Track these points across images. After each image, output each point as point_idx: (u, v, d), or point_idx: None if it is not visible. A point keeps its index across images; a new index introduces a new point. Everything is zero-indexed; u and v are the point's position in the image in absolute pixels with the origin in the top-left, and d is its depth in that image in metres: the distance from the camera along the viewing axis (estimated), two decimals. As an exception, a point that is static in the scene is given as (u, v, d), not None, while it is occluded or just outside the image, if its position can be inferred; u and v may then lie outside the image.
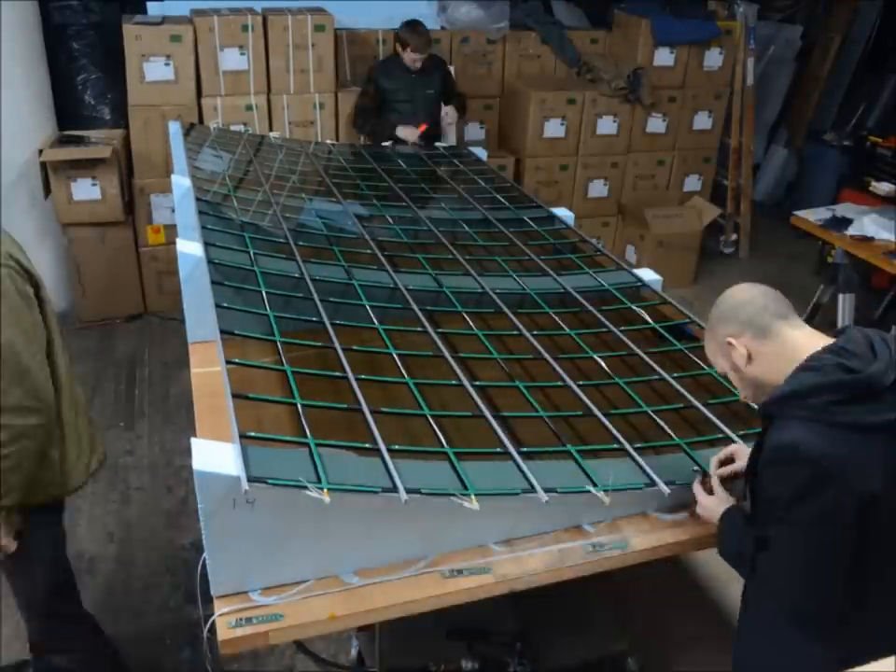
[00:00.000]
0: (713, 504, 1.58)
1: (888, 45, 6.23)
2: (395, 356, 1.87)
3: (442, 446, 1.58)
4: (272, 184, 2.97)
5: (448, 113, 4.13)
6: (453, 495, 1.45)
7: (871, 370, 1.29)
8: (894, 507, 1.31)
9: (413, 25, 4.06)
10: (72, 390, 1.90)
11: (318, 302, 2.04)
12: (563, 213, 3.08)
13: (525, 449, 1.63)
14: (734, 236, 5.67)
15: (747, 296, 1.43)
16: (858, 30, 6.20)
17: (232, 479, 1.32)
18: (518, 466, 1.55)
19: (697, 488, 1.62)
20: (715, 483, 1.61)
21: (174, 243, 2.20)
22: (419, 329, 2.05)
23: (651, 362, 2.05)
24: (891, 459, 1.29)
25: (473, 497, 1.43)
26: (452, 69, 4.50)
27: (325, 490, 1.32)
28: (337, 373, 1.75)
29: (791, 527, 1.34)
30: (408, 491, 1.37)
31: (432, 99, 4.16)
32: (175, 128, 3.37)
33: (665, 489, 1.59)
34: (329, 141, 4.25)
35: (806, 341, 1.38)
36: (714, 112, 5.20)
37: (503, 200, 3.17)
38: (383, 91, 4.14)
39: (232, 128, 4.16)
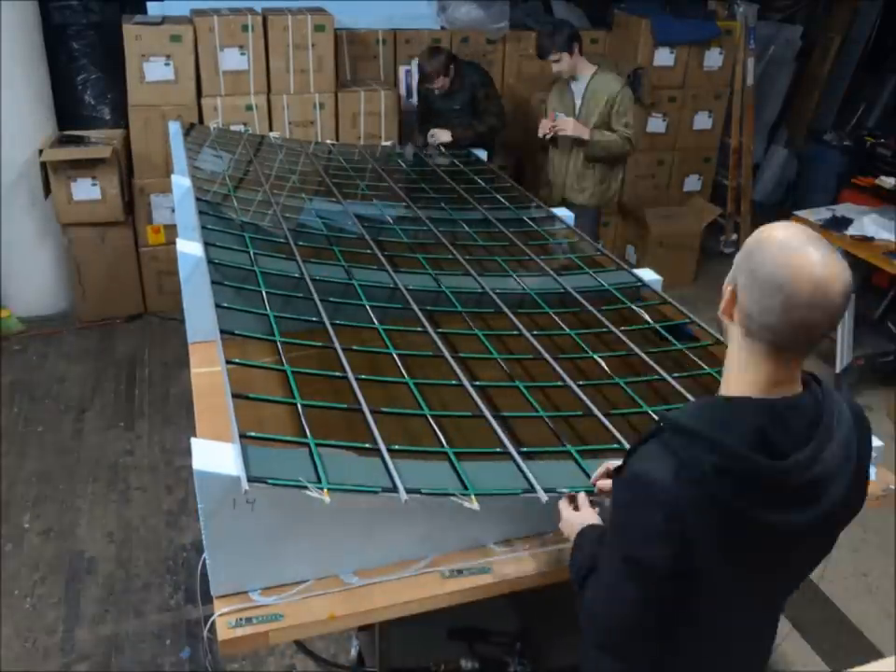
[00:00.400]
0: (575, 519, 1.44)
1: (888, 45, 6.23)
2: (395, 356, 1.87)
3: (442, 446, 1.58)
4: (272, 184, 2.97)
5: (434, 134, 4.04)
6: (453, 495, 1.45)
7: (791, 459, 1.06)
8: (721, 587, 1.14)
9: (429, 52, 4.00)
10: None
11: (318, 302, 2.04)
12: (563, 213, 3.08)
13: (525, 449, 1.63)
14: (734, 236, 5.67)
15: (781, 302, 1.05)
16: (858, 30, 6.20)
17: (232, 479, 1.32)
18: (518, 466, 1.55)
19: (563, 503, 1.48)
20: (582, 498, 1.48)
21: (174, 243, 2.20)
22: (419, 329, 2.05)
23: (651, 362, 2.05)
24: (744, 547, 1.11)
25: (473, 496, 1.43)
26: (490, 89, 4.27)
27: (325, 490, 1.32)
28: (337, 373, 1.75)
29: (613, 554, 1.18)
30: (408, 491, 1.37)
31: (457, 114, 4.09)
32: (174, 128, 3.37)
33: (665, 489, 1.59)
34: (328, 141, 4.26)
35: (765, 377, 1.10)
36: (714, 112, 5.20)
37: (503, 200, 3.17)
38: (427, 106, 4.24)
39: (232, 128, 4.16)
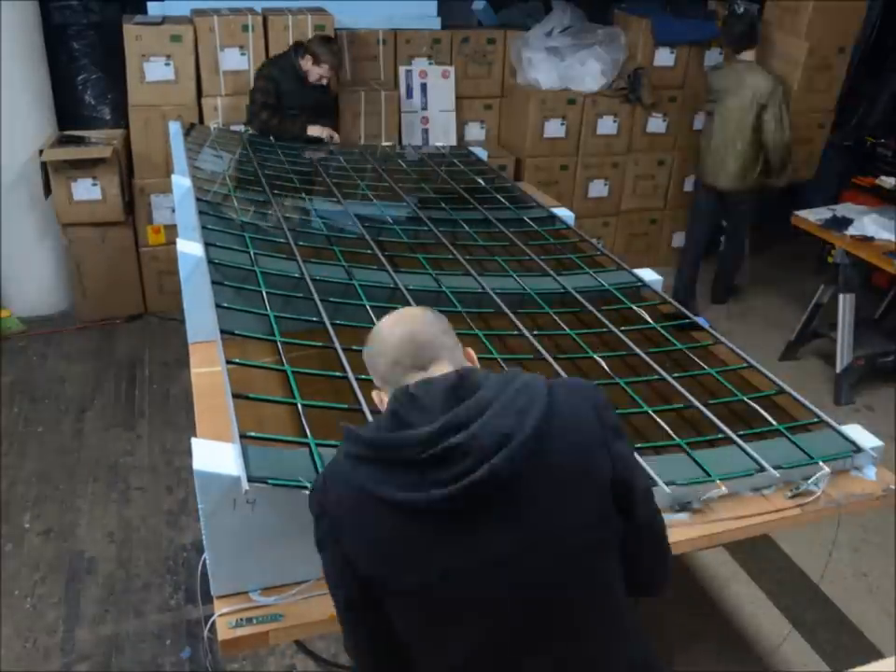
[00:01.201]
0: None
1: (888, 45, 6.23)
2: (395, 356, 1.87)
3: (442, 446, 1.58)
4: (272, 184, 2.97)
5: (333, 137, 4.00)
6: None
7: (412, 432, 1.05)
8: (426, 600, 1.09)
9: (330, 42, 3.98)
10: None
11: (318, 302, 2.04)
12: (563, 213, 3.08)
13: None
14: (734, 236, 5.66)
15: (380, 347, 1.18)
16: (858, 30, 6.20)
17: (232, 479, 1.32)
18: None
19: None
20: None
21: (174, 243, 2.21)
22: (419, 328, 2.05)
23: (652, 362, 2.05)
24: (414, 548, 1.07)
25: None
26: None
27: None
28: (337, 373, 1.75)
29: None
30: (408, 491, 1.37)
31: (329, 106, 4.13)
32: (175, 128, 3.38)
33: (666, 489, 1.59)
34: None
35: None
36: (714, 112, 5.19)
37: (503, 200, 3.17)
38: (279, 93, 3.96)
39: (232, 128, 4.17)
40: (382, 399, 1.20)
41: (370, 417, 1.58)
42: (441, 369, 1.13)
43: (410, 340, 1.15)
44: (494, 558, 1.06)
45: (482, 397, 1.06)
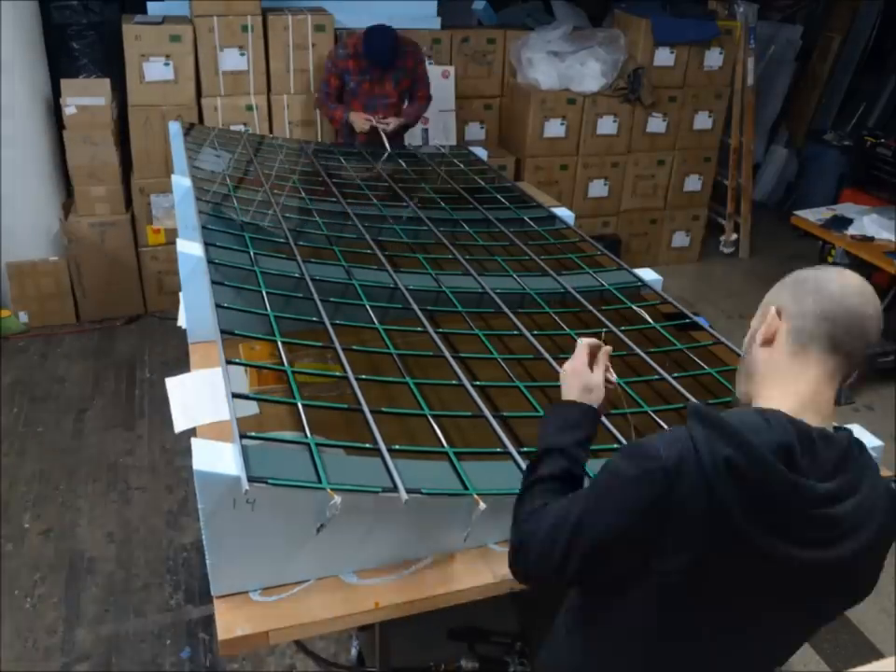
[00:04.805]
0: (582, 375, 1.28)
1: (888, 45, 6.24)
2: (395, 356, 1.87)
3: (442, 446, 1.58)
4: (272, 184, 2.97)
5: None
6: (453, 495, 1.45)
7: (811, 482, 1.00)
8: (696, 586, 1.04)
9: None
10: None
11: (318, 302, 2.04)
12: (563, 213, 3.08)
13: (525, 449, 1.63)
14: (734, 236, 5.67)
15: (837, 294, 1.09)
16: (858, 30, 6.20)
17: (232, 479, 1.32)
18: (518, 465, 1.55)
19: (584, 347, 1.32)
20: (605, 355, 1.33)
21: (173, 243, 2.20)
22: (419, 328, 2.05)
23: (652, 362, 2.05)
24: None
25: (477, 496, 1.43)
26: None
27: (330, 490, 1.32)
28: (337, 373, 1.75)
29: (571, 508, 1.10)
30: (408, 491, 1.37)
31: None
32: (175, 128, 3.37)
33: (666, 489, 1.59)
34: (328, 141, 4.26)
35: (813, 397, 1.08)
36: (714, 112, 5.20)
37: (503, 200, 3.17)
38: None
39: (232, 128, 4.16)
40: (771, 325, 1.12)
41: (370, 417, 1.58)
42: (840, 372, 1.09)
43: (860, 320, 1.08)
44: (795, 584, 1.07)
45: (855, 471, 1.06)
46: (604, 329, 2.16)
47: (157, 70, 4.10)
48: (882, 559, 1.13)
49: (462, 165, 3.66)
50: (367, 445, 1.51)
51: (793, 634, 1.18)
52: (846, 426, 1.14)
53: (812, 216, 4.11)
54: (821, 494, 1.01)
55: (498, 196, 3.21)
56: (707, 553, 1.01)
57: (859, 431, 1.86)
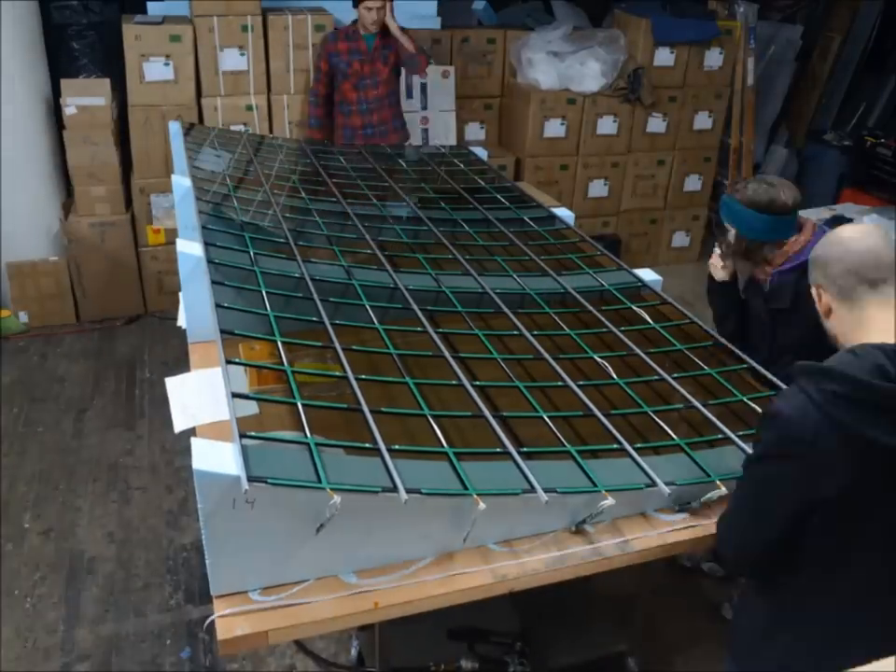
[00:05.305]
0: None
1: (888, 45, 6.23)
2: (395, 356, 1.87)
3: (442, 446, 1.58)
4: (272, 184, 2.97)
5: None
6: (453, 495, 1.45)
7: None
8: (847, 513, 1.29)
9: None
10: None
11: (318, 302, 2.04)
12: (563, 213, 3.08)
13: (525, 449, 1.63)
14: (734, 236, 5.66)
15: (842, 249, 1.38)
16: (858, 30, 6.20)
17: (232, 479, 1.31)
18: (518, 466, 1.55)
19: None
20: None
21: (173, 243, 2.20)
22: (419, 328, 2.05)
23: (652, 362, 2.05)
24: (868, 477, 1.26)
25: (477, 496, 1.43)
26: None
27: (330, 490, 1.32)
28: (337, 373, 1.75)
29: (745, 480, 1.42)
30: (408, 491, 1.37)
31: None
32: (175, 128, 3.37)
33: (666, 489, 1.59)
34: (328, 141, 4.25)
35: (881, 325, 1.33)
36: (714, 112, 5.20)
37: (503, 200, 3.17)
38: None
39: (232, 128, 4.16)
40: (821, 295, 1.42)
41: (369, 417, 1.58)
42: (889, 291, 1.33)
43: (874, 255, 1.35)
44: None
45: None
46: (604, 330, 2.16)
47: (157, 70, 4.10)
48: None
49: (462, 165, 3.66)
50: (367, 445, 1.51)
51: None
52: None
53: (812, 216, 4.10)
54: None
55: (498, 196, 3.21)
56: (853, 471, 1.23)
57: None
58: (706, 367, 2.07)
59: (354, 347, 1.87)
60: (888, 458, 1.23)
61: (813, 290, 1.44)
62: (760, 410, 1.90)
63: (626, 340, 2.15)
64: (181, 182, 2.62)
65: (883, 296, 1.34)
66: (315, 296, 2.07)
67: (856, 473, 1.24)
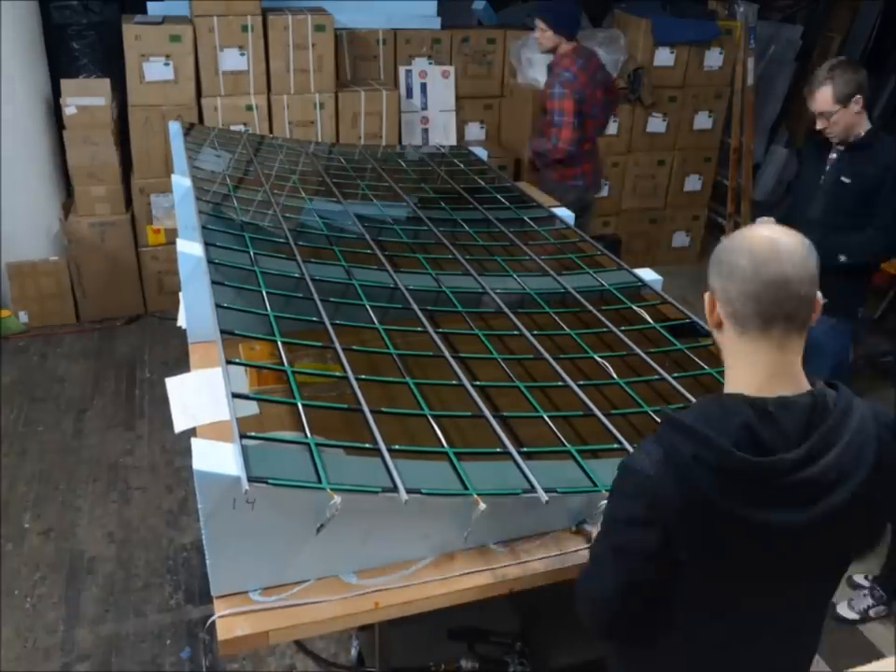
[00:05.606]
0: None
1: (888, 45, 6.23)
2: (395, 356, 1.87)
3: (442, 446, 1.58)
4: (272, 184, 2.97)
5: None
6: (453, 495, 1.45)
7: (777, 457, 1.06)
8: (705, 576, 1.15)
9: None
10: None
11: (318, 302, 2.04)
12: (563, 213, 3.08)
13: (525, 449, 1.63)
14: (734, 236, 5.66)
15: (743, 272, 1.10)
16: (858, 30, 6.20)
17: (232, 479, 1.31)
18: (518, 466, 1.55)
19: None
20: None
21: (174, 243, 2.20)
22: (419, 328, 2.05)
23: (652, 362, 2.05)
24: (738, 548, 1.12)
25: (477, 496, 1.43)
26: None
27: (330, 490, 1.32)
28: (337, 373, 1.75)
29: (602, 537, 1.26)
30: (408, 491, 1.37)
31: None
32: (175, 128, 3.37)
33: (666, 489, 1.59)
34: (328, 141, 4.26)
35: (770, 368, 1.13)
36: (714, 112, 5.20)
37: (503, 200, 3.17)
38: None
39: (232, 128, 4.16)
40: (713, 306, 1.17)
41: (370, 417, 1.58)
42: (790, 337, 1.11)
43: (782, 286, 1.08)
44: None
45: (829, 429, 1.10)
46: (604, 329, 2.16)
47: (157, 70, 4.10)
48: (893, 483, 1.16)
49: (462, 165, 3.66)
50: (367, 445, 1.51)
51: (825, 582, 1.29)
52: (828, 381, 1.18)
53: (812, 216, 4.10)
54: (789, 463, 1.07)
55: (498, 196, 3.21)
56: (707, 541, 1.11)
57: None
58: (706, 366, 2.07)
59: (354, 347, 1.87)
60: (748, 532, 1.09)
61: (706, 295, 1.19)
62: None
63: (626, 340, 2.15)
64: (181, 182, 2.62)
65: (779, 334, 1.11)
66: (315, 296, 2.07)
67: (708, 542, 1.11)
